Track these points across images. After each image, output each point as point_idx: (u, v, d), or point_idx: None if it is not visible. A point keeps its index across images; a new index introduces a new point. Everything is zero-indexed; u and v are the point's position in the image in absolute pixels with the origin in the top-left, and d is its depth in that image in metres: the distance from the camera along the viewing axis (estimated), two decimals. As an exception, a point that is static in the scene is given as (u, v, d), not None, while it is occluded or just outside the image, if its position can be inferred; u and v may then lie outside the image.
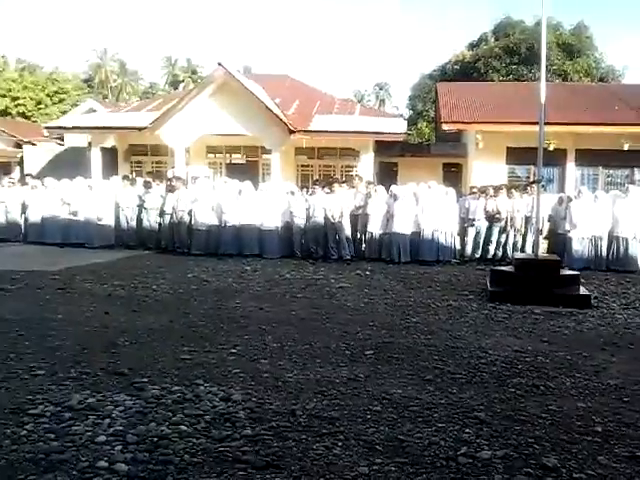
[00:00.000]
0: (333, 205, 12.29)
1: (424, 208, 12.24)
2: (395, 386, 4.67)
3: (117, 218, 13.49)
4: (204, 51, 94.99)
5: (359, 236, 12.81)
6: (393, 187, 12.83)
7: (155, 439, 3.61)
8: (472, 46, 38.49)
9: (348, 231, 12.47)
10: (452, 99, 19.57)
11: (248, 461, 3.34)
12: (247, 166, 19.21)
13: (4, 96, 40.85)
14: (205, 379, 4.70)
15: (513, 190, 13.07)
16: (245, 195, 12.70)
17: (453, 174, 19.00)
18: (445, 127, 17.79)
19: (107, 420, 3.89)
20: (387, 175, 18.68)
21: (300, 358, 5.37)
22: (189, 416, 3.97)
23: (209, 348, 5.61)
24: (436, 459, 3.44)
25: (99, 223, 13.28)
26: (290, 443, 3.59)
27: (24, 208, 14.05)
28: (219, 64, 16.81)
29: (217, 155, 19.68)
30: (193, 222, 12.67)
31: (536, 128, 9.47)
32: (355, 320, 6.98)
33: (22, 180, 15.49)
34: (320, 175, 18.43)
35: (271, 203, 12.63)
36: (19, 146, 24.58)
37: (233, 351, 5.53)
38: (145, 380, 4.63)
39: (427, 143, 28.78)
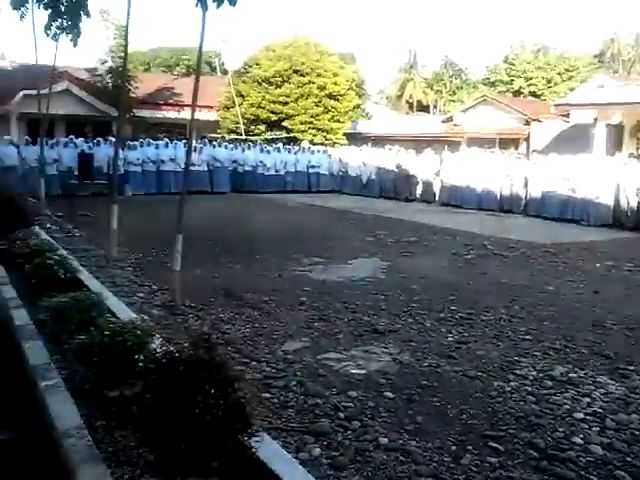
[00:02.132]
0: None
1: None
2: None
3: (616, 197, 12.86)
4: None
5: None
6: None
7: (637, 432, 3.42)
8: None
9: None
10: None
11: None
12: None
13: (519, 77, 43.78)
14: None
15: None
16: None
17: None
18: None
19: (586, 399, 3.88)
20: None
21: None
22: (680, 418, 3.59)
23: None
24: None
25: (596, 201, 12.95)
26: None
27: (526, 182, 14.75)
28: None
29: None
30: None
31: None
32: None
33: (527, 155, 16.23)
34: None
35: None
36: (527, 123, 25.81)
37: None
38: (631, 368, 4.41)
39: None
